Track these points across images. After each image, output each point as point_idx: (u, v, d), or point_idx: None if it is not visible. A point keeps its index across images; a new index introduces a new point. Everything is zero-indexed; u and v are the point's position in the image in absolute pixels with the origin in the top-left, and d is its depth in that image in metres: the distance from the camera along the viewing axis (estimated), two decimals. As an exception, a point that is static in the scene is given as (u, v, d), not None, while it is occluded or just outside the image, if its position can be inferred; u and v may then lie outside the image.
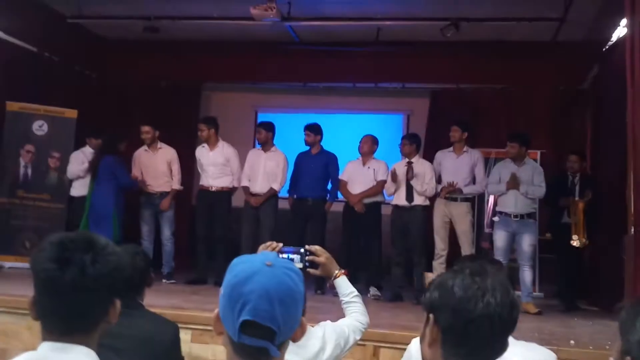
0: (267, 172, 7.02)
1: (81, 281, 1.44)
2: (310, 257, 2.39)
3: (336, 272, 2.52)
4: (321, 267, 2.46)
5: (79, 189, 7.28)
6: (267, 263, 1.36)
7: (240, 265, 1.37)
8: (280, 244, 2.34)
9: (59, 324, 1.48)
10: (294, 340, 1.41)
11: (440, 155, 6.86)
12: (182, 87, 9.52)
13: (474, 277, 1.41)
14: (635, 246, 5.03)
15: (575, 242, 6.39)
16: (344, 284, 2.55)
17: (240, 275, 1.34)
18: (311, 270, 2.40)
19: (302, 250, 2.37)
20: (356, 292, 2.59)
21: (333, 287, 2.58)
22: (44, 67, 8.15)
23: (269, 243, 2.34)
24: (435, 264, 6.54)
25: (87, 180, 7.07)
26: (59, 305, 1.46)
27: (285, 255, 2.31)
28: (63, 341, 1.46)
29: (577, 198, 6.63)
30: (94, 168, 6.92)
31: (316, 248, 2.43)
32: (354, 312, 2.57)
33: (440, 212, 6.65)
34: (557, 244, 6.86)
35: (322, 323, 2.53)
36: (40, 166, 7.62)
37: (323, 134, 7.17)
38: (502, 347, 1.40)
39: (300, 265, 2.34)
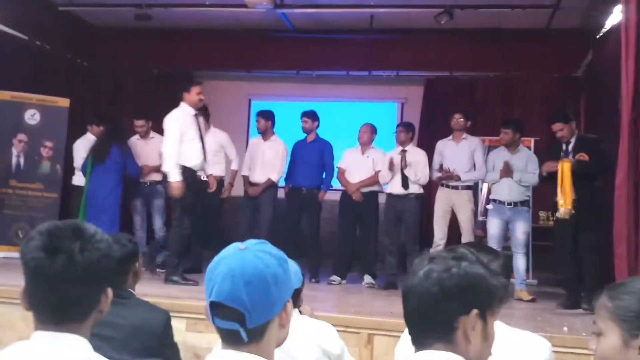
0: (265, 161, 7.00)
1: (70, 270, 1.43)
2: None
3: None
4: None
5: (82, 177, 7.23)
6: (240, 247, 1.39)
7: (221, 252, 1.41)
8: None
9: (51, 314, 1.46)
10: (281, 326, 1.41)
11: (440, 144, 6.83)
12: (174, 76, 9.39)
13: (434, 258, 1.46)
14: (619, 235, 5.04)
15: (560, 213, 5.50)
16: None
17: (214, 260, 1.39)
18: None
19: None
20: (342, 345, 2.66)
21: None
22: (35, 56, 8.07)
23: None
24: (432, 252, 6.51)
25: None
26: (50, 294, 1.45)
27: None
28: (55, 330, 1.45)
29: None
30: (102, 153, 6.81)
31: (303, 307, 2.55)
32: None
33: (442, 201, 6.62)
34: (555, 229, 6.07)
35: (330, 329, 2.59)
36: (33, 155, 7.56)
37: (319, 121, 7.16)
38: (442, 320, 1.39)
39: None
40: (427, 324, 1.41)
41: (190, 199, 5.86)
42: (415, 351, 1.44)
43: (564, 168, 5.58)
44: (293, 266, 2.16)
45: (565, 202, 5.49)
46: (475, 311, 1.39)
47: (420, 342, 1.42)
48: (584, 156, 5.64)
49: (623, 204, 4.59)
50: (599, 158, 5.58)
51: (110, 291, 1.54)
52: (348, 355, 2.67)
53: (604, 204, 5.45)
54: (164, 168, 5.93)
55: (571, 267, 5.65)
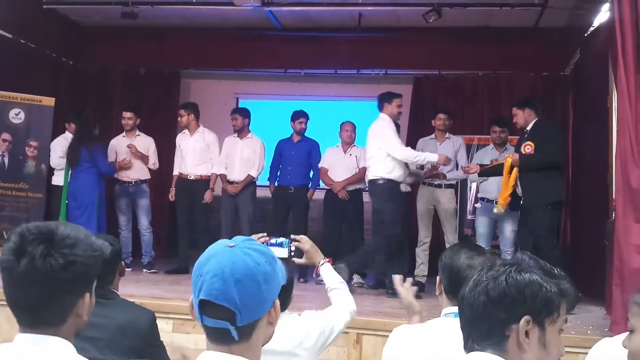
0: (243, 159, 6.99)
1: (31, 274, 1.41)
2: (295, 244, 2.45)
3: (321, 260, 2.57)
4: (305, 255, 2.50)
5: (62, 177, 7.19)
6: (229, 244, 1.37)
7: (208, 249, 1.39)
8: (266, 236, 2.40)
9: (24, 316, 1.46)
10: (270, 324, 1.39)
11: (422, 142, 6.84)
12: (161, 74, 9.44)
13: (489, 267, 1.47)
14: (610, 231, 5.03)
15: (495, 209, 5.53)
16: (329, 272, 2.59)
17: (202, 258, 1.37)
18: (296, 259, 2.47)
19: (287, 239, 2.44)
20: (341, 279, 2.62)
21: (318, 275, 2.63)
22: (20, 54, 7.99)
23: (259, 235, 2.37)
24: (418, 251, 6.54)
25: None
26: (20, 297, 1.45)
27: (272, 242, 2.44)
28: (35, 333, 1.44)
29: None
30: (74, 156, 6.80)
31: (301, 237, 2.48)
32: (339, 300, 2.59)
33: (425, 199, 6.63)
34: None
35: (306, 312, 2.55)
36: (18, 155, 7.47)
37: None
38: (493, 328, 1.40)
39: (285, 254, 2.42)
40: (479, 333, 1.41)
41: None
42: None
43: (505, 164, 5.46)
44: (279, 264, 2.15)
45: (500, 199, 5.46)
46: (526, 318, 1.36)
47: (472, 349, 1.43)
48: (530, 145, 5.37)
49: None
50: (548, 150, 5.30)
51: (88, 296, 1.50)
52: (331, 327, 2.53)
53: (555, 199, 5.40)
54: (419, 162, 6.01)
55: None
